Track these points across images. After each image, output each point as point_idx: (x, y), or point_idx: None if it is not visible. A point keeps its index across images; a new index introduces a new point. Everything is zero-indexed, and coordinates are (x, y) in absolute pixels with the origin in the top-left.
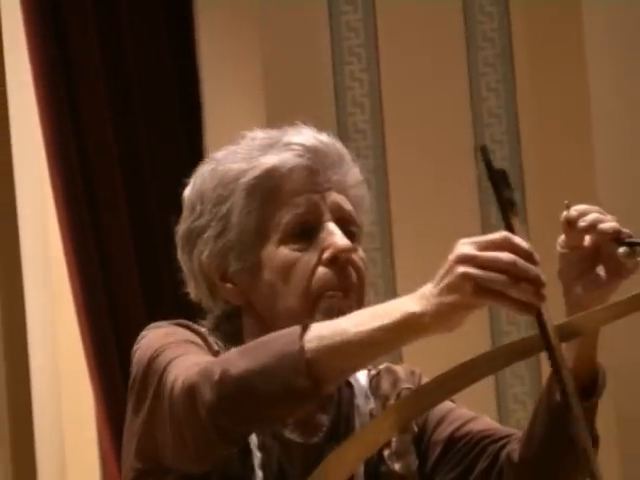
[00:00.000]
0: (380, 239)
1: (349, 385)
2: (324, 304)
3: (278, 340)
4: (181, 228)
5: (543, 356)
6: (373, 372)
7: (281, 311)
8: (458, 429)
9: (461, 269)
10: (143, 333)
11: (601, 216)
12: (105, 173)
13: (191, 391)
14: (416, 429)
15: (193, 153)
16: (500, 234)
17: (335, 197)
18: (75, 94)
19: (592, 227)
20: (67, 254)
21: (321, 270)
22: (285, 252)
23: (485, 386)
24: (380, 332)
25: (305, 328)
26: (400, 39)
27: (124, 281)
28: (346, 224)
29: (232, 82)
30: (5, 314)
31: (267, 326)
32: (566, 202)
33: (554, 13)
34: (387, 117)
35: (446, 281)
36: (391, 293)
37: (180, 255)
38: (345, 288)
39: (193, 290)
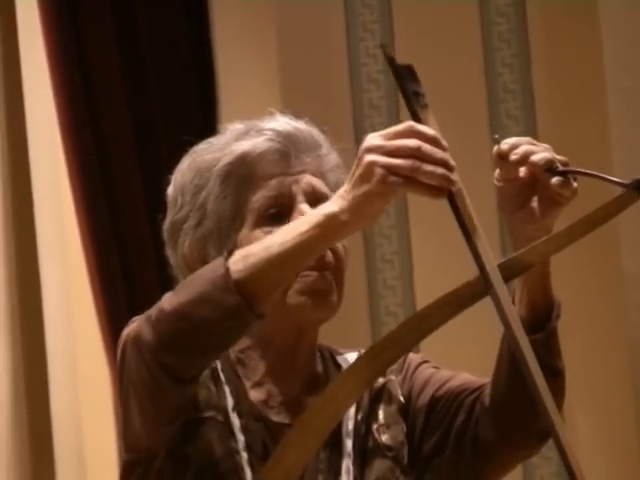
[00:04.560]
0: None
1: (337, 365)
2: (297, 284)
3: (205, 270)
4: (166, 223)
5: None
6: None
7: None
8: (438, 390)
9: (368, 158)
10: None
11: (533, 147)
12: (121, 155)
13: (136, 340)
14: (402, 400)
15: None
16: (405, 123)
17: (310, 179)
18: (90, 77)
19: (524, 159)
20: (85, 246)
21: None
22: (259, 235)
23: None
24: (302, 237)
25: (230, 253)
26: (415, 16)
27: (140, 262)
28: None
29: (247, 64)
30: (20, 295)
31: None
32: (496, 136)
33: None
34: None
35: (357, 173)
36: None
37: (167, 250)
38: (319, 267)
39: None
